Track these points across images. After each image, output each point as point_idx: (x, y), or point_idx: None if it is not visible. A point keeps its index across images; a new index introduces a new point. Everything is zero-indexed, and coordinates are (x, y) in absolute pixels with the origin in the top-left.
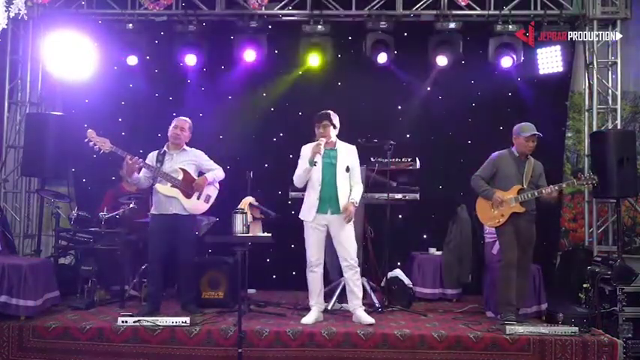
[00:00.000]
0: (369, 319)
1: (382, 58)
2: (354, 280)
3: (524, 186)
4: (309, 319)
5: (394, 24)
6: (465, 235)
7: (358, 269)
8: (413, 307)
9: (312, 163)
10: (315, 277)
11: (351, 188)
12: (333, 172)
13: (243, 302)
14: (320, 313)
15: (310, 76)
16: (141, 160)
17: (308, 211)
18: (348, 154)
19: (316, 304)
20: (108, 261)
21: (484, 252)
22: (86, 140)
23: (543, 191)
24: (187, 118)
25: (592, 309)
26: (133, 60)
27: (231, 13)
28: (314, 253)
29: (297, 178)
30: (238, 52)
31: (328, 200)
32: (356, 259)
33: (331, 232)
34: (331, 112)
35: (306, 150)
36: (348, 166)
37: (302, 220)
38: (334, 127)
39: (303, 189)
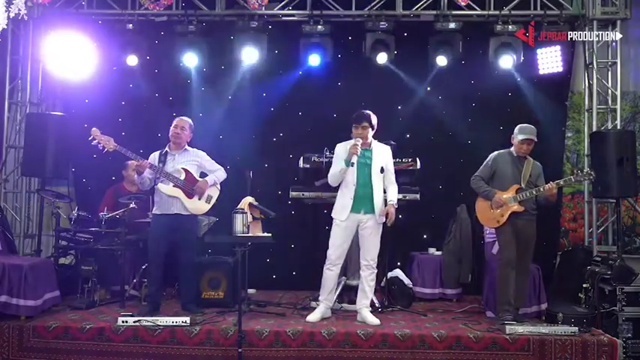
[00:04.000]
0: (375, 320)
1: (382, 58)
2: (368, 280)
3: (522, 185)
4: (315, 315)
5: (394, 24)
6: (465, 235)
7: (375, 270)
8: (413, 307)
9: (349, 164)
10: (331, 275)
11: (384, 189)
12: (368, 173)
13: (243, 302)
14: (327, 310)
15: (310, 76)
16: (146, 161)
17: (341, 211)
18: (382, 154)
19: (325, 300)
20: (108, 261)
21: (484, 252)
22: (90, 139)
23: (542, 189)
24: (187, 118)
25: (592, 309)
26: (133, 60)
27: (231, 13)
28: (335, 252)
29: (332, 177)
30: (238, 52)
31: (362, 200)
32: (376, 260)
33: (360, 231)
34: (371, 113)
35: (341, 149)
36: (382, 167)
37: (303, 220)
38: (372, 128)
39: (304, 189)
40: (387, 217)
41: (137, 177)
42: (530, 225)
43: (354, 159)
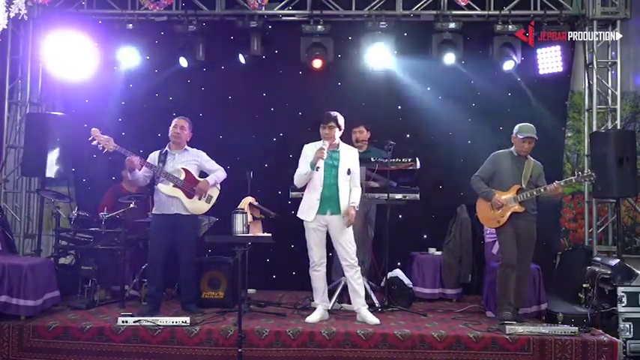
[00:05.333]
0: (374, 320)
1: (377, 58)
2: (355, 278)
3: (523, 186)
4: (314, 317)
5: (394, 24)
6: (465, 235)
7: (359, 268)
8: (413, 307)
9: (314, 168)
10: (318, 276)
11: (350, 190)
12: (335, 174)
13: (243, 302)
14: (325, 312)
15: (310, 76)
16: (138, 158)
17: (308, 212)
18: (349, 157)
19: (321, 302)
20: (108, 261)
21: (484, 252)
22: (90, 139)
23: (542, 189)
24: (186, 117)
25: (592, 309)
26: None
27: (231, 13)
28: (317, 253)
29: (298, 179)
30: (238, 53)
31: (328, 201)
32: (355, 258)
33: (330, 233)
34: (338, 114)
35: (308, 150)
36: (349, 169)
37: (302, 220)
38: (339, 129)
39: (304, 189)
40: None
41: (129, 174)
42: (531, 225)
43: (320, 163)
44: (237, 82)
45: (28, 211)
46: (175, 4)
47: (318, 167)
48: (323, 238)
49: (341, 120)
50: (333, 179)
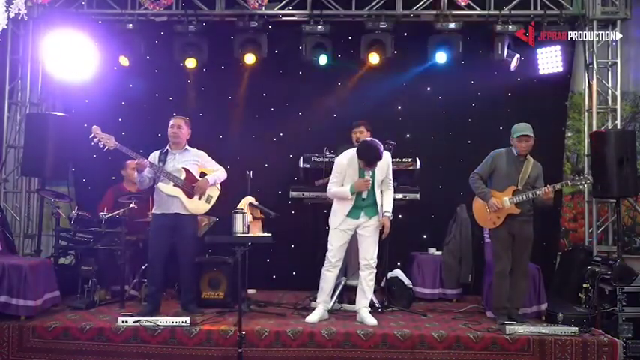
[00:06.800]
0: (373, 321)
1: (375, 59)
2: (367, 280)
3: (520, 187)
4: (314, 316)
5: (394, 24)
6: (465, 235)
7: (374, 270)
8: (413, 307)
9: (355, 194)
10: (330, 277)
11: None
12: (371, 188)
13: (243, 302)
14: (325, 311)
15: (310, 76)
16: (146, 160)
17: (334, 220)
18: (383, 166)
19: (323, 302)
20: (108, 261)
21: (484, 252)
22: (91, 137)
23: (537, 192)
24: (183, 116)
25: (592, 309)
26: (124, 61)
27: (231, 13)
28: (336, 254)
29: (333, 196)
30: (238, 53)
31: (365, 208)
32: (376, 259)
33: (359, 231)
34: (379, 147)
35: (343, 162)
36: (383, 180)
37: (301, 220)
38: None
39: (304, 189)
40: (382, 231)
41: (137, 175)
42: (527, 226)
43: (365, 195)
44: (237, 82)
45: (28, 211)
46: (175, 4)
47: (364, 199)
48: (347, 241)
49: (382, 152)
50: (369, 193)
